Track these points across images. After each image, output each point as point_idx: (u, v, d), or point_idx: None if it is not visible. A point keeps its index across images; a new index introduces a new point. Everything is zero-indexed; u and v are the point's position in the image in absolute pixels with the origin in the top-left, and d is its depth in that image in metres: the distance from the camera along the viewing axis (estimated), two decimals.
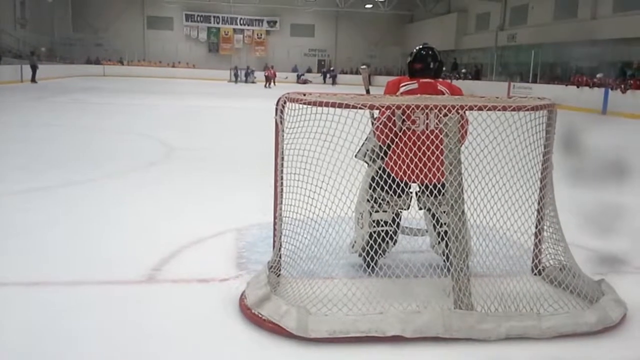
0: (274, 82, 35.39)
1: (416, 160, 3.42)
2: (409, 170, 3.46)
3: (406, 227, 4.10)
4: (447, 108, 3.12)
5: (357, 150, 3.76)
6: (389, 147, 3.63)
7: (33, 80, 27.29)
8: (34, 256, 3.99)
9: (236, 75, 38.34)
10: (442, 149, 3.18)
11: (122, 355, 2.72)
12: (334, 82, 41.41)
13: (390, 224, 3.69)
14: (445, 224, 3.51)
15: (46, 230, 4.61)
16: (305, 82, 40.97)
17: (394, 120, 3.55)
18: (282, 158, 3.40)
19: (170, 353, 2.75)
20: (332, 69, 44.34)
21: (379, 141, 3.67)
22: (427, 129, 3.53)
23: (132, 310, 3.20)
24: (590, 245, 4.23)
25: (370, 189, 3.66)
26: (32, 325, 2.96)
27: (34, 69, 27.65)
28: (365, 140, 3.78)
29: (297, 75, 42.77)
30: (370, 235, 3.65)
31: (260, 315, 2.99)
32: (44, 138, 10.07)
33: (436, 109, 3.16)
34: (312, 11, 45.61)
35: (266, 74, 35.14)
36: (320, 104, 3.16)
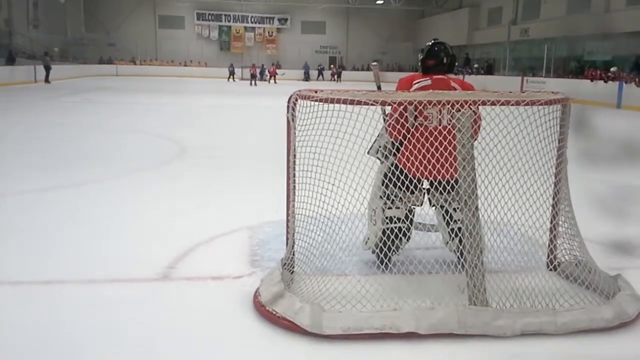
0: (275, 80, 35.22)
1: (429, 156, 3.41)
2: (421, 166, 3.45)
3: (420, 224, 4.09)
4: (459, 103, 3.10)
5: (369, 147, 3.75)
6: (401, 143, 3.62)
7: (47, 80, 27.51)
8: (46, 255, 4.02)
9: (232, 73, 37.44)
10: (454, 144, 3.16)
11: (137, 353, 2.74)
12: (338, 79, 41.08)
13: (403, 220, 3.68)
14: (458, 220, 3.50)
15: (58, 229, 4.65)
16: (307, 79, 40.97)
17: (406, 116, 3.53)
18: (294, 155, 3.40)
19: (185, 350, 2.76)
20: (331, 66, 44.07)
21: (391, 137, 3.65)
22: (439, 125, 3.51)
23: (147, 308, 3.21)
24: (607, 239, 4.19)
25: (383, 185, 3.65)
26: (46, 323, 2.98)
27: (47, 69, 27.87)
28: (378, 136, 3.77)
29: (304, 73, 42.55)
30: (384, 232, 3.64)
31: (274, 313, 2.99)
32: (56, 137, 10.17)
33: (449, 104, 3.14)
34: (322, 8, 45.57)
35: (251, 71, 34.22)
36: (332, 101, 3.15)
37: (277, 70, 37.11)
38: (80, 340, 2.83)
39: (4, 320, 3.03)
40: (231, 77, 37.16)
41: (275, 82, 35.06)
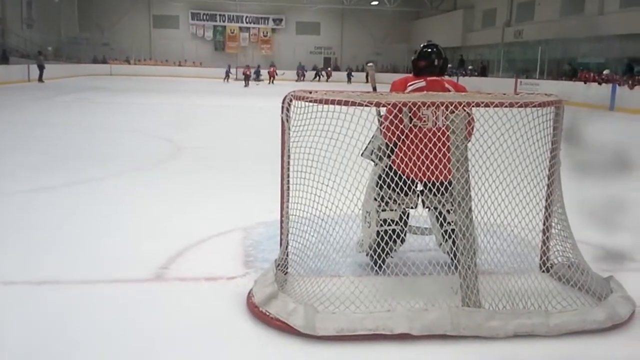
0: (272, 81, 35.06)
1: (422, 157, 3.41)
2: (415, 167, 3.45)
3: (414, 227, 4.09)
4: (454, 105, 3.10)
5: (363, 149, 3.74)
6: (395, 145, 3.62)
7: (40, 79, 27.42)
8: (41, 255, 4.01)
9: (228, 74, 37.13)
10: (449, 146, 3.17)
11: (129, 353, 2.73)
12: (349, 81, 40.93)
13: (397, 222, 3.68)
14: (452, 222, 3.51)
15: (53, 229, 4.63)
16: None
17: (401, 117, 3.54)
18: (289, 156, 3.40)
19: (178, 351, 2.76)
20: (329, 68, 43.78)
21: (386, 139, 3.65)
22: (434, 126, 3.51)
23: (140, 309, 3.21)
24: (599, 242, 4.21)
25: (377, 187, 3.65)
26: (39, 324, 2.97)
27: (41, 68, 27.78)
28: (372, 138, 3.77)
29: (297, 73, 42.30)
30: (378, 234, 3.64)
31: (267, 313, 2.99)
32: (50, 137, 10.12)
33: (443, 105, 3.15)
34: (317, 9, 45.57)
35: (245, 72, 33.44)
36: (327, 102, 3.15)
37: (277, 71, 36.89)
38: (73, 340, 2.82)
39: None
40: (227, 77, 36.89)
41: (272, 82, 34.81)
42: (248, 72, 33.53)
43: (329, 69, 43.87)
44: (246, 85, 32.08)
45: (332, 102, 3.14)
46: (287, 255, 3.55)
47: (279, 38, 47.74)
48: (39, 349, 2.74)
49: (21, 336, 2.85)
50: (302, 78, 41.23)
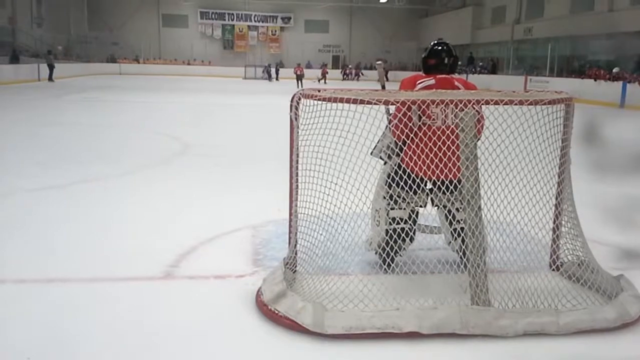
0: (325, 80, 34.80)
1: (431, 156, 3.40)
2: (424, 166, 3.44)
3: (423, 225, 4.08)
4: (463, 103, 3.09)
5: (372, 148, 3.74)
6: (404, 143, 3.61)
7: (50, 79, 27.58)
8: (50, 253, 4.03)
9: (269, 73, 37.28)
10: (458, 144, 3.16)
11: (139, 351, 2.74)
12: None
13: (407, 221, 3.67)
14: (461, 220, 3.49)
15: (62, 227, 4.66)
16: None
17: (410, 116, 3.52)
18: (297, 154, 3.40)
19: (187, 348, 2.77)
20: (349, 66, 43.61)
21: (395, 137, 3.64)
22: (443, 124, 3.50)
23: (149, 306, 3.22)
24: (609, 240, 4.18)
25: (386, 185, 3.65)
26: (48, 321, 2.99)
27: (51, 67, 27.94)
28: (381, 136, 3.76)
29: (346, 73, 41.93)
30: (387, 232, 3.63)
31: (276, 312, 3.00)
32: (59, 135, 10.18)
33: (452, 103, 3.14)
34: (326, 7, 45.57)
35: (297, 72, 31.94)
36: (335, 100, 3.14)
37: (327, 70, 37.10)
38: (82, 338, 2.83)
39: (8, 317, 3.04)
40: (269, 77, 37.06)
41: (324, 82, 34.61)
42: (300, 72, 31.91)
43: (351, 66, 43.28)
44: (300, 85, 29.25)
45: (341, 101, 3.13)
46: (296, 254, 3.55)
47: (287, 36, 47.75)
48: (47, 346, 2.75)
49: (30, 333, 2.86)
50: (356, 77, 40.82)
